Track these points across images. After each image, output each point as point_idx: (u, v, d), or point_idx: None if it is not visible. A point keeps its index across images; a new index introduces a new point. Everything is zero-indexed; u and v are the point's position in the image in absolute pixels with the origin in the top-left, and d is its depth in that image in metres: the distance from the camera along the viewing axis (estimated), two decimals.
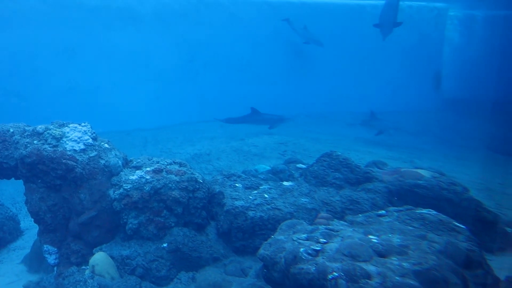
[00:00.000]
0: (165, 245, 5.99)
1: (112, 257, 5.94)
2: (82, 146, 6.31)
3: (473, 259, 4.31)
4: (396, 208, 5.62)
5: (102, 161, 6.33)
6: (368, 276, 4.00)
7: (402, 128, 14.05)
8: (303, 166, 8.23)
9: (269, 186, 6.97)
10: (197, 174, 6.57)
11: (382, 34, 14.37)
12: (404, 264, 4.06)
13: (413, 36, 18.62)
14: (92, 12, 14.72)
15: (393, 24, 14.19)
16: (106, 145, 6.59)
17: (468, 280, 4.11)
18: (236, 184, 7.02)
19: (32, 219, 6.40)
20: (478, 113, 14.00)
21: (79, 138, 6.36)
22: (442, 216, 5.00)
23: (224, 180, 7.19)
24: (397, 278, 3.90)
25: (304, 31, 16.48)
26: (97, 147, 6.43)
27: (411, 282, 3.85)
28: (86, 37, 14.53)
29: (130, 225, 6.08)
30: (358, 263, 4.17)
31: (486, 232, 5.80)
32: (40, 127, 6.50)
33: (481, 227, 5.85)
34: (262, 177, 7.78)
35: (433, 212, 5.14)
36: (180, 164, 6.69)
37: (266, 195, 6.58)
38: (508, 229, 6.05)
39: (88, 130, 6.53)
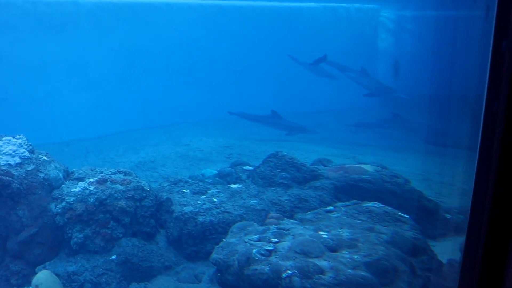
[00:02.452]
0: (113, 257, 5.79)
1: (57, 275, 5.65)
2: (18, 160, 5.97)
3: (418, 246, 4.54)
4: (343, 203, 5.81)
5: (41, 175, 6.01)
6: (321, 271, 4.09)
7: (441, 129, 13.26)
8: (250, 167, 8.27)
9: (217, 190, 6.94)
10: (143, 182, 6.42)
11: (396, 97, 14.39)
12: (355, 256, 4.20)
13: (349, 37, 19.28)
14: (20, 18, 13.94)
15: (385, 88, 14.49)
16: (45, 158, 6.27)
17: (414, 266, 4.32)
18: (184, 190, 6.93)
19: None
20: (415, 108, 14.70)
21: (14, 151, 6.01)
22: (387, 208, 5.23)
23: (171, 186, 7.08)
24: (349, 271, 4.02)
25: (316, 66, 16.39)
26: (34, 160, 6.11)
27: (363, 273, 3.98)
28: (15, 45, 13.74)
29: (75, 239, 5.82)
30: (310, 260, 4.25)
31: (428, 220, 6.13)
32: None
33: (423, 215, 6.18)
34: (209, 182, 7.74)
35: (379, 204, 5.36)
36: (125, 173, 6.51)
37: (215, 199, 6.56)
38: (448, 216, 6.44)
39: (24, 143, 6.18)
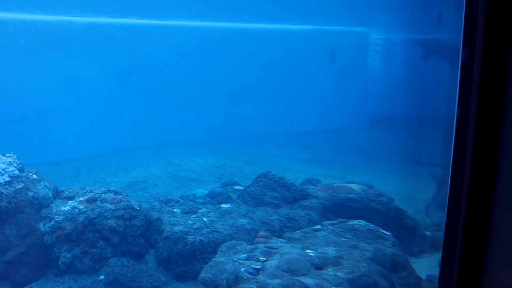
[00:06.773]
0: (102, 277, 5.79)
1: None
2: (7, 178, 6.00)
3: (399, 262, 4.65)
4: (330, 222, 5.89)
5: (31, 193, 6.04)
6: None
7: None
8: (241, 187, 8.34)
9: (207, 210, 6.99)
10: (134, 202, 6.46)
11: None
12: (339, 274, 4.27)
13: (339, 58, 19.66)
14: (12, 37, 14.03)
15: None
16: (35, 176, 6.30)
17: (394, 282, 4.41)
18: (174, 210, 6.97)
19: None
20: (399, 129, 14.96)
21: (3, 169, 6.04)
22: (371, 226, 5.33)
23: (162, 206, 7.11)
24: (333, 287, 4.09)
25: None
26: (24, 179, 6.14)
27: None
28: (6, 64, 13.81)
29: (63, 259, 5.82)
30: (297, 278, 4.31)
31: (409, 237, 6.26)
32: None
33: (405, 232, 6.32)
34: (200, 201, 7.78)
35: (363, 222, 5.46)
36: (116, 192, 6.54)
37: (205, 219, 6.60)
38: (427, 233, 6.59)
39: (14, 161, 6.22)
